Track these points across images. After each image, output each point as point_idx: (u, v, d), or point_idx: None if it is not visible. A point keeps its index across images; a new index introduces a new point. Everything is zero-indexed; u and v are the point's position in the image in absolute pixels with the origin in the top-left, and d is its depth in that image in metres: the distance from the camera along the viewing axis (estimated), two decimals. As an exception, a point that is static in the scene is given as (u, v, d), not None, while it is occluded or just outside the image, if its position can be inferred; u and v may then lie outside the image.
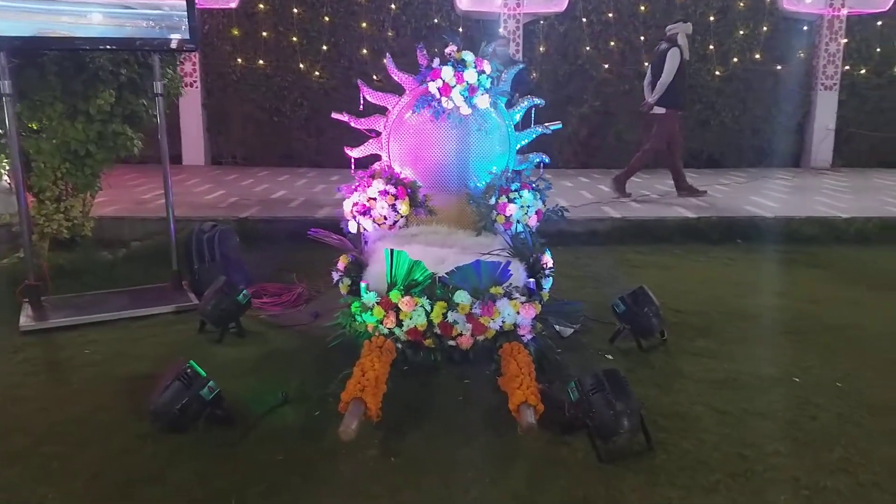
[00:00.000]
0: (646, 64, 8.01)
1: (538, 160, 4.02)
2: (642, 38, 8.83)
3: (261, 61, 8.92)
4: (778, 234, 5.53)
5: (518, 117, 4.00)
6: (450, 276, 3.03)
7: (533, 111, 3.97)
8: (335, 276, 3.59)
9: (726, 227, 5.53)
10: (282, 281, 4.34)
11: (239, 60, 8.91)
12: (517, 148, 4.03)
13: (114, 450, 2.41)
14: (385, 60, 3.99)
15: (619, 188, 6.75)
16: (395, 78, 3.97)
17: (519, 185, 3.88)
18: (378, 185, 3.84)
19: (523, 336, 3.02)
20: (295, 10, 8.73)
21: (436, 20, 8.78)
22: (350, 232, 3.94)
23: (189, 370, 2.52)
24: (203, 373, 2.55)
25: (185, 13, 3.76)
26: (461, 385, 2.92)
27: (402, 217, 3.88)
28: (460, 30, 8.77)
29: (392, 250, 3.04)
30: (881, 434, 2.51)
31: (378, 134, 4.03)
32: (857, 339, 3.48)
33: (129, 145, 4.72)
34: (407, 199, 3.87)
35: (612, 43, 8.82)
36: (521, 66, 4.04)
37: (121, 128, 4.58)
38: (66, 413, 2.67)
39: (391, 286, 3.03)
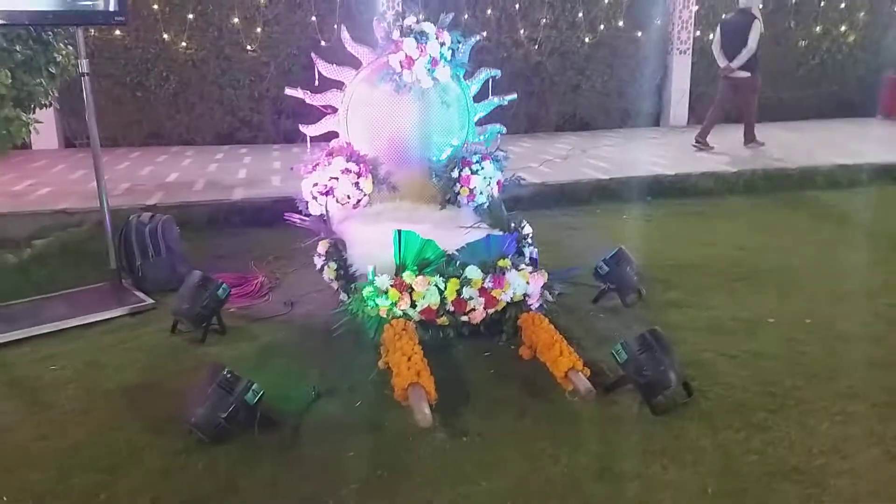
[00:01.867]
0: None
1: (497, 131, 4.06)
2: (517, 6, 9.02)
3: (117, 31, 8.09)
4: (680, 190, 5.99)
5: (475, 89, 4.00)
6: (459, 252, 3.01)
7: (490, 82, 3.99)
8: (318, 261, 3.44)
9: (635, 185, 5.90)
10: (222, 270, 4.04)
11: (92, 31, 8.02)
12: (475, 120, 4.04)
13: (156, 470, 2.19)
14: (341, 33, 3.78)
15: (751, 141, 7.68)
16: (351, 50, 3.80)
17: (480, 156, 3.90)
18: (339, 163, 3.70)
19: (531, 305, 3.08)
20: (154, -24, 7.99)
21: (311, -13, 8.43)
22: (311, 214, 3.77)
23: (229, 374, 2.33)
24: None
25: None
26: (484, 359, 2.94)
27: (365, 195, 3.78)
28: (338, -3, 8.48)
29: (400, 231, 2.96)
30: (866, 362, 2.86)
31: (334, 110, 3.85)
32: (795, 279, 3.89)
33: (23, 131, 4.17)
34: (370, 176, 3.77)
35: (489, 11, 8.94)
36: (478, 38, 4.02)
37: (14, 112, 4.03)
38: (72, 438, 2.38)
39: (401, 267, 2.96)
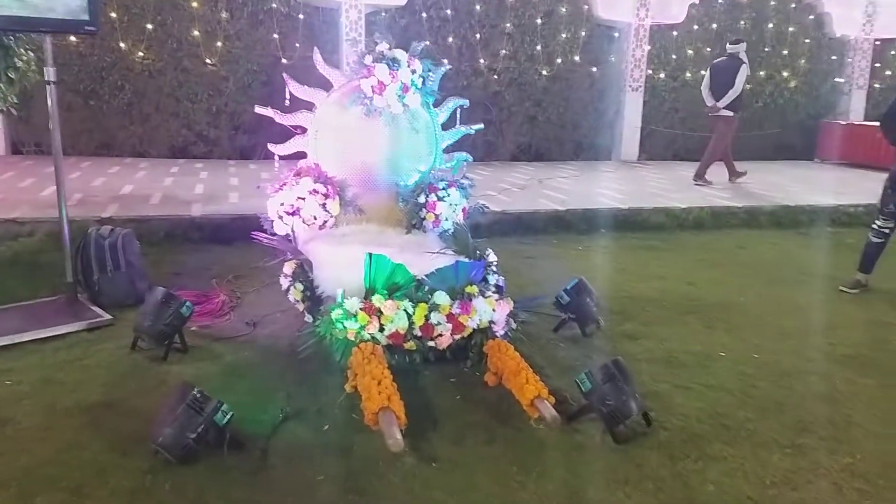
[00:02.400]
0: (702, 72, 9.19)
1: (464, 159, 4.14)
2: (478, 35, 9.22)
3: (72, 38, 7.93)
4: (633, 223, 6.19)
5: (443, 117, 4.08)
6: (429, 278, 3.06)
7: (458, 111, 4.08)
8: (284, 281, 3.44)
9: (590, 218, 6.07)
10: (181, 286, 3.99)
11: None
12: (443, 147, 4.11)
13: (123, 491, 2.15)
14: (313, 54, 3.82)
15: (701, 179, 8.13)
16: (323, 72, 3.84)
17: (447, 183, 3.98)
18: (307, 184, 3.72)
19: (497, 332, 3.15)
20: (114, -17, 7.88)
21: (274, 5, 8.43)
22: (276, 233, 3.77)
23: (199, 394, 2.31)
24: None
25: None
26: (450, 384, 2.98)
27: (332, 217, 3.80)
28: (300, 17, 8.51)
29: (371, 254, 2.99)
30: (813, 396, 3.01)
31: (304, 130, 3.87)
32: (742, 315, 4.06)
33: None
34: (337, 198, 3.80)
35: (450, 39, 9.11)
36: (448, 66, 4.11)
37: (-31, 117, 3.92)
38: (32, 456, 2.31)
39: (371, 291, 2.98)
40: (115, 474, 2.23)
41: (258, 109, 3.80)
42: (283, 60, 8.42)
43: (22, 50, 4.14)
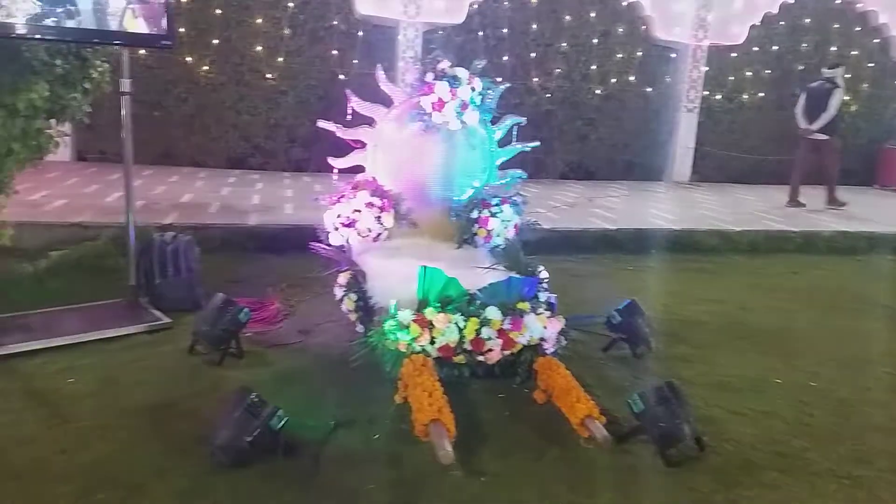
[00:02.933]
0: (796, 92, 9.08)
1: (517, 176, 4.16)
2: (532, 54, 9.26)
3: (142, 51, 8.24)
4: (684, 245, 6.10)
5: (500, 134, 4.11)
6: (481, 293, 3.07)
7: (515, 129, 4.11)
8: (338, 291, 3.50)
9: (641, 238, 6.01)
10: (236, 293, 4.07)
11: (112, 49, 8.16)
12: (497, 164, 4.14)
13: (180, 491, 2.22)
14: (375, 71, 3.90)
15: (833, 202, 8.17)
16: (385, 89, 3.92)
17: (499, 199, 4.00)
18: (363, 196, 3.79)
19: (547, 349, 3.14)
20: (183, 0, 8.17)
21: (334, 22, 8.62)
22: (332, 244, 3.84)
23: (256, 398, 2.37)
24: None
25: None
26: (498, 399, 2.98)
27: (385, 230, 3.86)
28: (359, 34, 8.68)
29: (425, 267, 3.03)
30: (871, 427, 2.92)
31: (363, 145, 3.95)
32: (797, 341, 3.97)
33: (51, 144, 4.24)
34: (392, 211, 3.85)
35: (505, 58, 9.16)
36: (507, 84, 4.16)
37: (45, 124, 4.10)
38: (93, 453, 2.40)
39: (423, 303, 3.02)
40: (172, 474, 2.30)
41: (321, 124, 3.89)
42: (341, 76, 8.59)
43: (98, 62, 4.31)
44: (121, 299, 3.81)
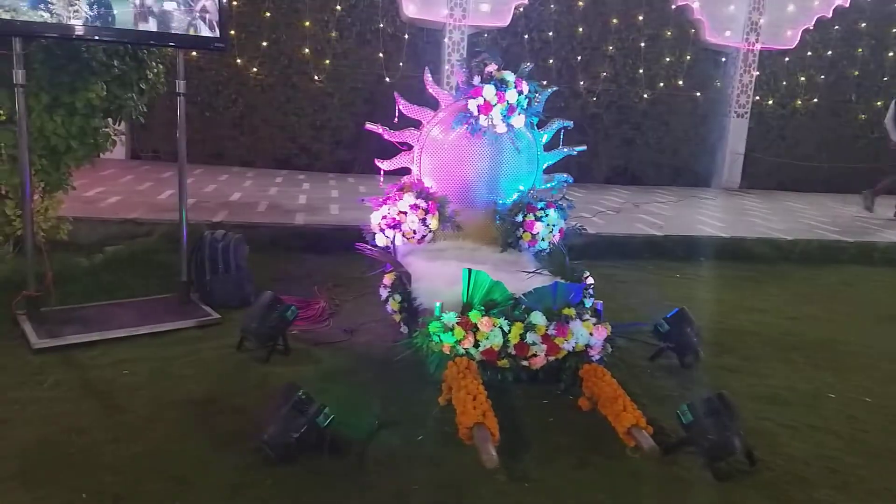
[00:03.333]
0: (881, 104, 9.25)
1: (564, 180, 4.13)
2: (578, 58, 9.19)
3: (193, 53, 8.42)
4: (733, 253, 5.98)
5: (546, 138, 4.09)
6: (526, 297, 3.06)
7: (562, 133, 4.08)
8: (383, 292, 3.53)
9: (689, 244, 5.91)
10: (283, 291, 4.13)
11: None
12: (543, 167, 4.12)
13: (226, 484, 2.25)
14: (423, 74, 3.92)
15: (868, 204, 8.01)
16: (432, 92, 3.93)
17: (545, 203, 3.98)
18: (409, 198, 3.81)
19: (592, 356, 3.11)
20: (234, 3, 8.33)
21: (381, 25, 8.69)
22: (377, 245, 3.87)
23: (303, 395, 2.40)
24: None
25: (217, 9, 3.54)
26: (541, 405, 2.96)
27: (430, 232, 3.87)
28: (405, 37, 8.74)
29: (470, 270, 3.03)
30: (931, 446, 2.82)
31: (410, 147, 3.97)
32: (850, 355, 3.84)
33: (108, 142, 4.36)
34: (437, 213, 3.86)
35: (551, 61, 9.12)
36: (555, 88, 4.14)
37: (102, 123, 4.23)
38: (144, 444, 2.46)
39: (468, 306, 3.02)
40: (217, 467, 2.34)
41: (368, 126, 3.92)
42: (387, 79, 8.66)
43: (154, 63, 4.43)
44: (172, 294, 3.90)
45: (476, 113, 3.80)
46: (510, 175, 4.03)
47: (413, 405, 2.86)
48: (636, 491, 2.36)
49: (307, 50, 8.60)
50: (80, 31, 3.32)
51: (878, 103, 10.19)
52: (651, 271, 5.47)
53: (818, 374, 3.52)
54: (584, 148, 4.19)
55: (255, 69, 8.58)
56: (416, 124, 3.97)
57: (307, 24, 8.55)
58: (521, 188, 4.05)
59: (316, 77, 8.69)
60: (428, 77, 3.95)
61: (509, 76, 3.79)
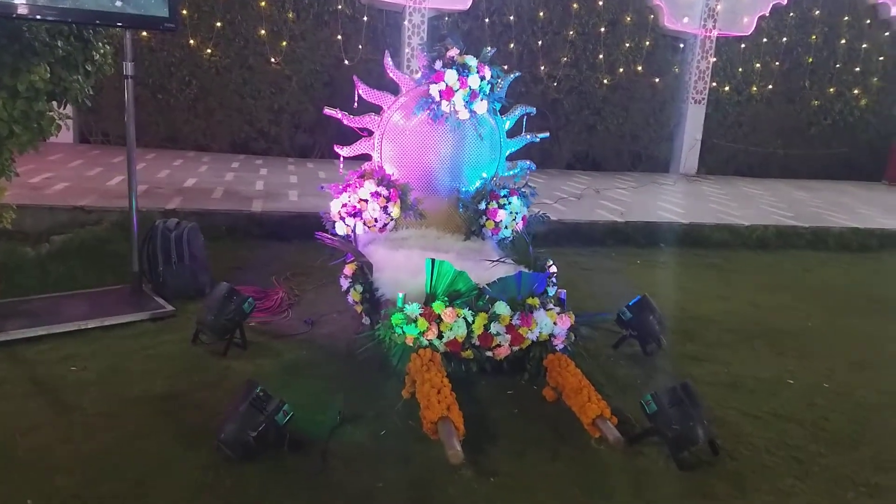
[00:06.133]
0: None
1: (527, 167, 4.09)
2: (540, 42, 9.14)
3: (144, 33, 8.13)
4: (693, 239, 6.03)
5: (509, 124, 4.03)
6: (490, 287, 3.01)
7: (524, 119, 4.03)
8: (344, 282, 3.44)
9: (650, 231, 5.94)
10: (241, 282, 4.00)
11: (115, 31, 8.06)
12: (506, 154, 4.07)
13: (187, 484, 2.17)
14: (383, 58, 3.82)
15: None
16: (392, 76, 3.83)
17: (508, 191, 3.93)
18: (370, 186, 3.72)
19: (556, 346, 3.08)
20: (186, -19, 8.05)
21: (339, 6, 8.50)
22: (338, 234, 3.78)
23: (261, 392, 2.31)
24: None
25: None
26: (506, 397, 2.92)
27: (392, 220, 3.79)
28: (364, 19, 8.57)
29: (434, 260, 2.96)
30: (890, 432, 2.86)
31: (370, 133, 3.87)
32: (812, 342, 3.90)
33: (53, 126, 4.16)
34: (399, 201, 3.79)
35: (512, 45, 9.05)
36: (517, 73, 4.08)
37: (47, 106, 4.02)
38: (97, 444, 2.35)
39: (431, 297, 2.96)
40: (177, 467, 2.25)
41: (327, 111, 3.81)
42: (346, 62, 8.50)
43: (100, 44, 4.22)
44: (124, 286, 3.75)
45: (438, 98, 3.72)
46: (473, 162, 3.97)
47: (377, 399, 2.79)
48: (606, 483, 2.34)
49: (263, 31, 8.37)
50: (22, 9, 3.14)
51: (831, 90, 10.40)
52: (613, 258, 5.48)
53: (779, 361, 3.56)
54: (546, 135, 4.15)
55: (209, 50, 8.32)
56: (377, 109, 3.88)
57: (263, 4, 8.31)
58: (485, 175, 3.99)
59: (273, 59, 8.47)
60: (388, 61, 3.85)
61: (472, 61, 3.71)
